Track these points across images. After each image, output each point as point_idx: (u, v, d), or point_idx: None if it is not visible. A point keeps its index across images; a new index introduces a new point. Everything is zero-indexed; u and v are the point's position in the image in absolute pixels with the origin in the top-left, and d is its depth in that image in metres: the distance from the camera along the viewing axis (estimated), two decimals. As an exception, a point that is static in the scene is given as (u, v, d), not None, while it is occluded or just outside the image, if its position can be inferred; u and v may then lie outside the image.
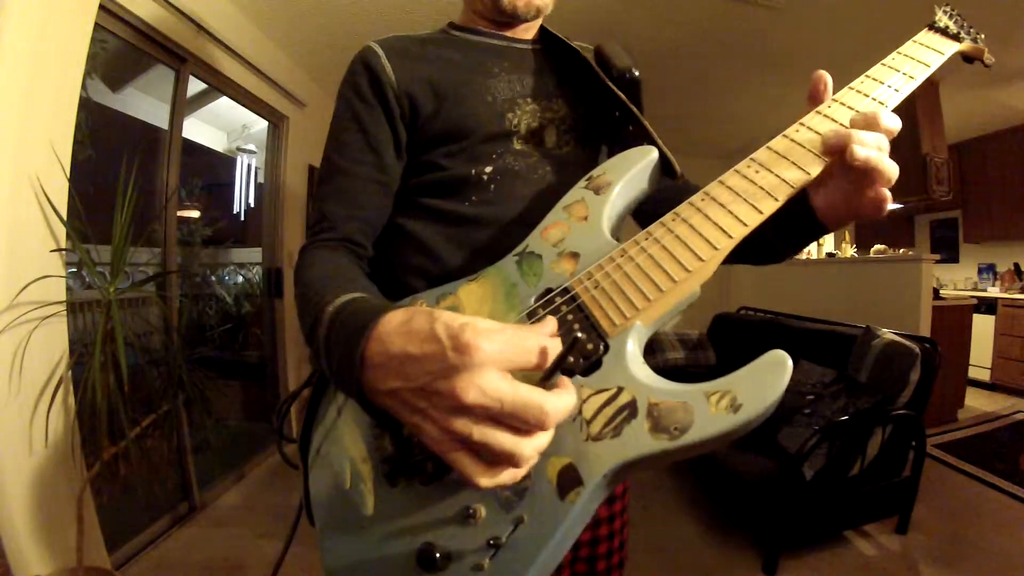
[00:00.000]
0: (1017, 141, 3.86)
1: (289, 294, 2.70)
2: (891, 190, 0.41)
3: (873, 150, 0.39)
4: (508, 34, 0.64)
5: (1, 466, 1.17)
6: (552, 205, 0.54)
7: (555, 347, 0.32)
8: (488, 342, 0.29)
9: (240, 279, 2.78)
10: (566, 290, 0.43)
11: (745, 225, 0.40)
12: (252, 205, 3.09)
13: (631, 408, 0.36)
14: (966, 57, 0.53)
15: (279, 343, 2.73)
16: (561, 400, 0.30)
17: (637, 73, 0.59)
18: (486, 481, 0.30)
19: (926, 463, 1.83)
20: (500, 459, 0.30)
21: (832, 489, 1.67)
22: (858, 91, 0.44)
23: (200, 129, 3.05)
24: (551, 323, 0.36)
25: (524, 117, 0.59)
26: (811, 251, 4.15)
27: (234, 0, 2.05)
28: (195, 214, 2.44)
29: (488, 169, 0.57)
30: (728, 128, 3.90)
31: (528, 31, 0.66)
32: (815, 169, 0.41)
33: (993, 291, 4.13)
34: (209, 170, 2.92)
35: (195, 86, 2.08)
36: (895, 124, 0.40)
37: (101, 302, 1.34)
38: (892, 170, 0.40)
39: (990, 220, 4.22)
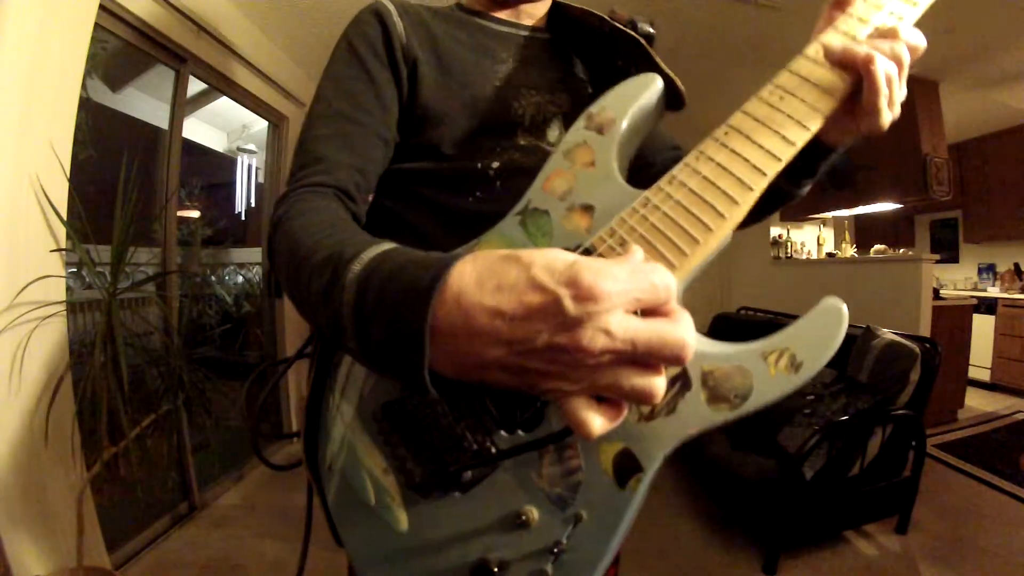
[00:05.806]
0: (1017, 141, 3.85)
1: (289, 294, 2.70)
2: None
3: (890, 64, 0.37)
4: (515, 20, 0.62)
5: (1, 466, 1.17)
6: None
7: (672, 279, 0.27)
8: (612, 282, 0.24)
9: (240, 279, 2.78)
10: (588, 251, 0.36)
11: (779, 160, 0.36)
12: (252, 205, 3.09)
13: (683, 379, 0.33)
14: None
15: (279, 343, 2.73)
16: (692, 327, 0.26)
17: (652, 29, 0.56)
18: (601, 427, 0.26)
19: (926, 463, 1.83)
20: (629, 400, 0.27)
21: (832, 489, 1.67)
22: (873, 3, 0.41)
23: (200, 129, 3.05)
24: (639, 251, 0.31)
25: (529, 108, 0.56)
26: (811, 251, 4.15)
27: (234, 0, 2.05)
28: (195, 214, 2.43)
29: (495, 164, 0.54)
30: (728, 128, 3.89)
31: (535, 16, 0.63)
32: (842, 89, 0.38)
33: (993, 291, 4.13)
34: (209, 170, 2.91)
35: (195, 86, 2.08)
36: (920, 41, 0.38)
37: (101, 302, 1.34)
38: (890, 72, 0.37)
39: (990, 220, 4.22)
